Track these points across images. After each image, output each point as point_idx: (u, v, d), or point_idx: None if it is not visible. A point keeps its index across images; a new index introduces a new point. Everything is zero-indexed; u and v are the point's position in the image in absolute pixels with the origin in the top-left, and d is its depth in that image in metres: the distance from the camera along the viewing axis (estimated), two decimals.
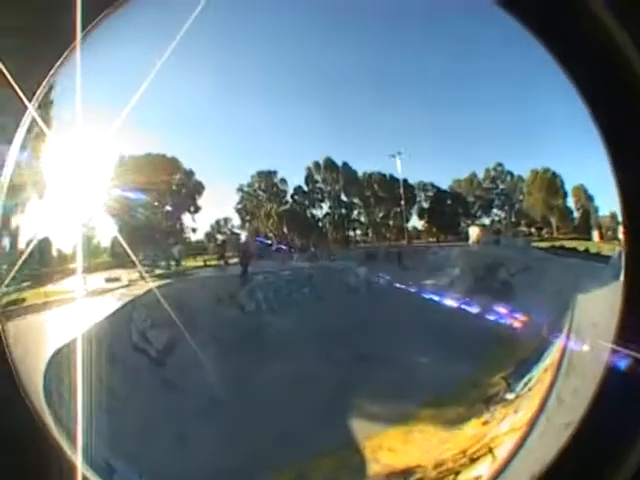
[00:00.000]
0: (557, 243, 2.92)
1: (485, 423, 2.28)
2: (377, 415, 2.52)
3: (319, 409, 2.46)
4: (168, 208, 2.65)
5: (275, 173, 2.76)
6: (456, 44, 2.56)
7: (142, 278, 2.57)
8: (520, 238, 2.90)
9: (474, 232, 2.83)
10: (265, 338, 2.66)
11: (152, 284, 2.50)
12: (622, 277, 1.29)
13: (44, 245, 2.30)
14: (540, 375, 2.35)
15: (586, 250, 2.81)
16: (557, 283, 2.78)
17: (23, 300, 2.33)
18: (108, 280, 2.55)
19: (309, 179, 2.78)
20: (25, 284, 2.36)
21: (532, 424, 2.15)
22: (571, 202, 2.78)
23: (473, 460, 2.13)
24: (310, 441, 2.33)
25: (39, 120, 1.93)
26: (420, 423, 2.39)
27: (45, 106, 2.02)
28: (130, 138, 2.27)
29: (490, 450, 2.13)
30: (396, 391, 2.45)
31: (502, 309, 2.67)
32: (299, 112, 2.61)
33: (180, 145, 2.55)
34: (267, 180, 2.74)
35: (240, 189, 2.69)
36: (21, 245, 2.18)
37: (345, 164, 2.81)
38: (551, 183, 2.64)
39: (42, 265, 2.36)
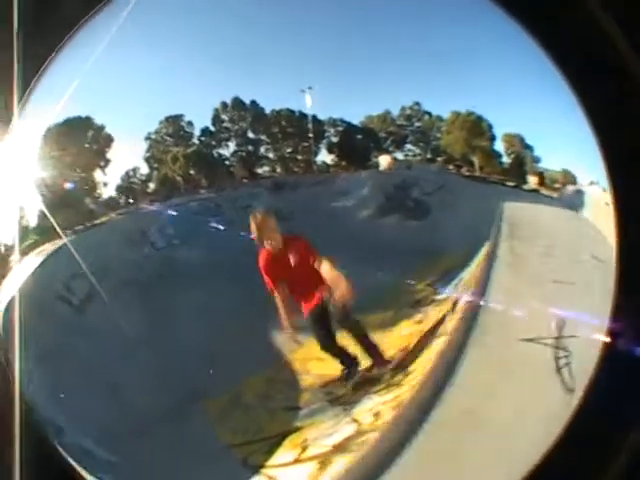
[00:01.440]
0: (478, 177, 3.00)
1: (419, 322, 2.34)
2: (300, 328, 2.47)
3: (241, 332, 2.43)
4: (79, 169, 2.60)
5: (182, 117, 2.74)
6: None
7: (59, 236, 2.52)
8: (434, 164, 2.95)
9: (384, 160, 2.85)
10: (179, 271, 2.61)
11: (66, 239, 2.44)
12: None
13: None
14: (471, 273, 2.49)
15: (516, 186, 2.91)
16: (478, 201, 2.84)
17: None
18: (38, 254, 2.49)
19: (216, 119, 2.76)
20: None
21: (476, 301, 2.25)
22: (500, 147, 2.83)
23: (419, 351, 2.21)
24: (238, 364, 2.31)
25: None
26: (345, 330, 2.39)
27: None
28: (50, 112, 2.23)
29: (435, 338, 2.24)
30: None
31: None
32: (207, 53, 2.60)
33: (92, 102, 2.51)
34: (174, 125, 2.71)
35: (148, 137, 2.65)
36: None
37: (253, 102, 2.81)
38: (474, 125, 2.70)
39: None
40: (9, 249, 2.17)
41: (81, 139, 2.60)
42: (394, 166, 2.92)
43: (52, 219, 2.35)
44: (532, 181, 2.88)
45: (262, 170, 2.92)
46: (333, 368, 2.21)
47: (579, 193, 2.51)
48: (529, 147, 2.76)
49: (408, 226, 2.59)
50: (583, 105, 1.28)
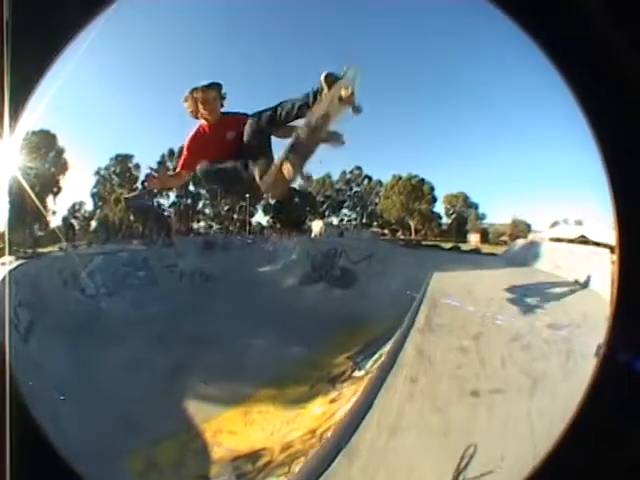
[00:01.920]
0: (414, 241, 3.09)
1: (333, 401, 2.24)
2: (213, 398, 2.50)
3: (156, 394, 2.42)
4: (34, 191, 2.54)
5: (131, 157, 2.72)
6: None
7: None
8: (368, 232, 3.03)
9: (317, 225, 2.92)
10: (102, 323, 2.58)
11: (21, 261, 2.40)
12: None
13: None
14: (392, 350, 2.43)
15: (455, 247, 2.99)
16: (409, 269, 2.91)
17: None
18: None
19: (161, 166, 2.75)
20: None
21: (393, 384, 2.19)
22: (440, 208, 2.92)
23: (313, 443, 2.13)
24: (152, 426, 2.28)
25: None
26: (259, 404, 2.41)
27: None
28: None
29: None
30: (231, 373, 2.45)
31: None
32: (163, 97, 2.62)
33: (60, 121, 2.47)
34: (123, 164, 2.71)
35: (97, 172, 2.62)
36: None
37: None
38: (416, 188, 2.79)
39: None
40: None
41: (43, 159, 2.56)
42: (325, 232, 2.99)
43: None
44: (473, 239, 2.98)
45: (197, 225, 2.93)
46: (244, 444, 2.21)
47: (532, 244, 2.54)
48: (473, 205, 2.87)
49: (332, 295, 2.65)
50: (584, 110, 1.30)
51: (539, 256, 2.83)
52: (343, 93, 2.10)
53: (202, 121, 2.43)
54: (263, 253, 2.80)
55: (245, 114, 2.39)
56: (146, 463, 2.13)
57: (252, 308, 2.40)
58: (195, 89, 2.38)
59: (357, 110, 2.09)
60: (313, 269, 2.74)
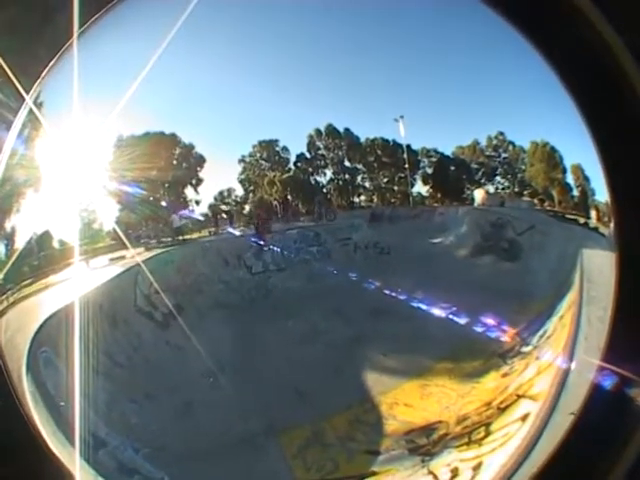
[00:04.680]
0: (559, 214, 2.90)
1: (505, 375, 2.25)
2: (390, 370, 2.50)
3: (331, 366, 2.43)
4: (167, 184, 2.63)
5: (276, 142, 2.75)
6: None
7: (147, 249, 2.54)
8: (524, 201, 2.87)
9: (479, 194, 2.80)
10: (275, 298, 2.62)
11: (157, 250, 2.46)
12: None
13: (43, 237, 2.26)
14: (556, 325, 2.32)
15: (585, 224, 2.78)
16: (563, 243, 2.77)
17: (22, 298, 2.27)
18: (112, 259, 2.52)
19: (311, 146, 2.76)
20: (25, 282, 2.31)
21: (563, 359, 2.11)
22: (570, 179, 2.73)
23: (503, 409, 2.10)
24: (323, 399, 2.30)
25: (35, 110, 1.89)
26: (436, 377, 2.37)
27: (42, 97, 1.99)
28: (127, 121, 2.26)
29: (519, 396, 2.08)
30: (408, 345, 2.42)
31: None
32: (298, 79, 2.60)
33: (178, 121, 2.54)
34: (269, 149, 2.72)
35: (242, 160, 2.67)
36: (18, 240, 2.14)
37: (347, 130, 2.80)
38: (550, 156, 2.62)
39: (42, 258, 2.31)
40: (71, 251, 2.19)
41: (167, 155, 2.63)
42: (488, 201, 2.87)
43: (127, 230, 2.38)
44: (594, 216, 2.74)
45: (358, 200, 2.91)
46: (420, 417, 2.16)
47: None
48: (587, 178, 2.64)
49: (501, 268, 2.53)
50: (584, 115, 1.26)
51: None
52: None
53: None
54: (432, 224, 2.77)
55: None
56: (307, 437, 2.21)
57: (429, 280, 2.37)
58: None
59: None
60: (484, 240, 2.68)
